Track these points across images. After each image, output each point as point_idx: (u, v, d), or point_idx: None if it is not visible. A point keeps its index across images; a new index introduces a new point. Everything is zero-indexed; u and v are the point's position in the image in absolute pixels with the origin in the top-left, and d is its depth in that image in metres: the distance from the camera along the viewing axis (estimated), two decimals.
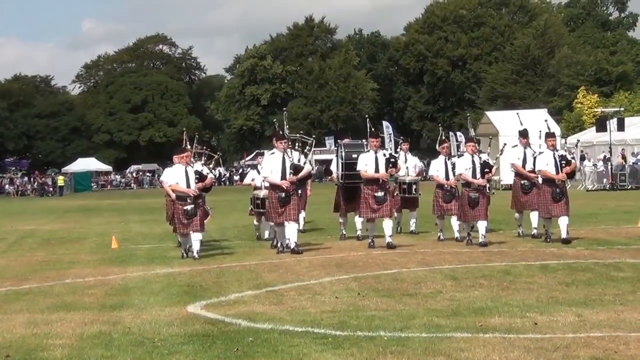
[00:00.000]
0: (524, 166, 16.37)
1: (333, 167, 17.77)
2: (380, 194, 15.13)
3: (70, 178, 72.47)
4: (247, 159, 71.61)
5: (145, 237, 20.23)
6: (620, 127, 40.93)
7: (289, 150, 15.04)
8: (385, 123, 38.49)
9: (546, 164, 15.20)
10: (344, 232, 17.38)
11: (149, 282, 11.98)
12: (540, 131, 16.69)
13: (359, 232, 16.97)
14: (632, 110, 54.39)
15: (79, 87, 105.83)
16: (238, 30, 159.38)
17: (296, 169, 14.76)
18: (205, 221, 15.23)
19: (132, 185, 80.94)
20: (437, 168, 16.44)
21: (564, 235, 14.93)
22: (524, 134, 16.71)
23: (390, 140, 31.54)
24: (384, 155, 15.51)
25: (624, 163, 40.15)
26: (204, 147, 18.87)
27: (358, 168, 15.49)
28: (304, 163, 15.22)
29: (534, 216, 16.24)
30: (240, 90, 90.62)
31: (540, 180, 15.60)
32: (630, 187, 37.97)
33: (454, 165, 16.02)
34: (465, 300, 9.39)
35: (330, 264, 13.10)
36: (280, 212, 14.58)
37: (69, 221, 28.50)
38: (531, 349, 6.99)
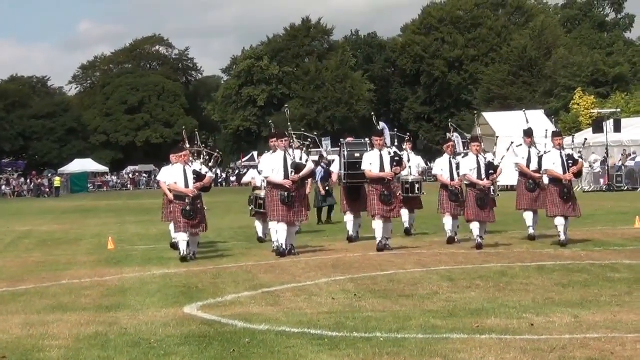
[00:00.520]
0: (528, 166, 16.16)
1: (335, 167, 17.44)
2: (386, 193, 14.81)
3: (67, 179, 72.47)
4: (244, 160, 71.56)
5: (141, 238, 20.20)
6: (617, 128, 40.97)
7: (289, 149, 14.69)
8: (382, 124, 38.38)
9: (553, 163, 14.94)
10: (352, 233, 16.94)
11: (145, 283, 11.97)
12: (546, 130, 16.53)
13: (351, 233, 16.72)
14: (628, 111, 54.33)
15: (76, 88, 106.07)
16: (235, 31, 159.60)
17: (297, 167, 14.45)
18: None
19: (129, 186, 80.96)
20: (441, 167, 16.21)
21: (562, 238, 14.78)
22: (528, 133, 16.44)
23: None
24: (389, 153, 15.10)
25: (622, 164, 40.12)
26: (204, 146, 18.69)
27: (363, 167, 15.15)
28: (306, 161, 14.77)
29: (527, 216, 16.10)
30: (237, 91, 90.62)
31: (546, 180, 15.42)
32: (626, 188, 38.03)
33: (458, 164, 15.71)
34: (462, 302, 9.39)
35: (327, 265, 13.08)
36: (289, 211, 14.19)
37: (66, 222, 28.47)
38: (527, 350, 6.99)
